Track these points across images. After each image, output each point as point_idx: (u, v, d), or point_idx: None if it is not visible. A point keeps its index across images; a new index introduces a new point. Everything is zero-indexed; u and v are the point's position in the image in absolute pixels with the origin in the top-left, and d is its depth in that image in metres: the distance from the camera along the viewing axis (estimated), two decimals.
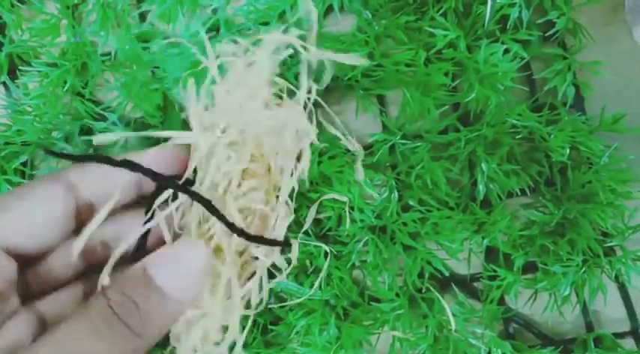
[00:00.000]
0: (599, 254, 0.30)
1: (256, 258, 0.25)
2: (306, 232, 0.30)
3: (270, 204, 0.26)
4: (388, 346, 0.31)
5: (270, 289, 0.31)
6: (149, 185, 0.24)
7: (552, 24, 0.31)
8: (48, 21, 0.33)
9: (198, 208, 0.24)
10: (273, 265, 0.27)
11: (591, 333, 0.31)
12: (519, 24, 0.31)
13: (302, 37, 0.26)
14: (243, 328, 0.25)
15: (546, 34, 0.31)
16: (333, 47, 0.30)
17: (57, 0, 0.33)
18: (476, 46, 0.30)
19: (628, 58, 0.32)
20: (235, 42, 0.26)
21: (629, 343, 0.31)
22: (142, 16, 0.33)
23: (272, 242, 0.25)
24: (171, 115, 0.33)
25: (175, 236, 0.24)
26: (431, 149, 0.31)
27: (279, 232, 0.26)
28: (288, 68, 0.30)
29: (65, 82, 0.33)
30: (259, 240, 0.25)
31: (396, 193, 0.31)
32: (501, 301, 0.32)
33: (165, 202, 0.24)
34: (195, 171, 0.25)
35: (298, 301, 0.30)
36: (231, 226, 0.23)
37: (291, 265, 0.27)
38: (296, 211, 0.30)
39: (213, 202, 0.23)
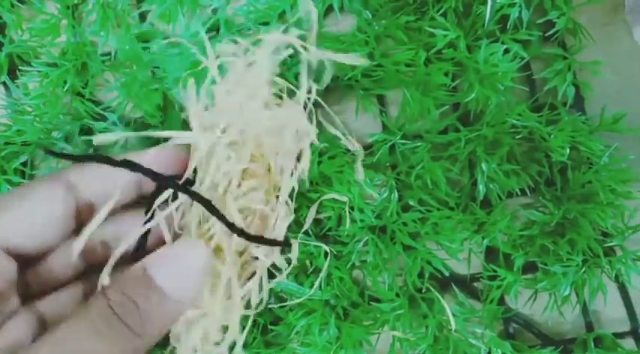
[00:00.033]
0: (599, 254, 0.30)
1: (256, 258, 0.25)
2: (306, 232, 0.30)
3: (270, 204, 0.26)
4: (388, 346, 0.31)
5: (271, 289, 0.31)
6: (149, 185, 0.24)
7: (552, 24, 0.31)
8: (48, 21, 0.33)
9: (198, 208, 0.24)
10: (273, 265, 0.27)
11: (591, 333, 0.31)
12: (519, 24, 0.31)
13: (302, 37, 0.26)
14: (243, 328, 0.25)
15: (546, 34, 0.31)
16: (333, 47, 0.30)
17: (57, 0, 0.33)
18: (476, 46, 0.30)
19: (628, 58, 0.32)
20: (235, 42, 0.26)
21: (629, 343, 0.31)
22: (142, 16, 0.33)
23: (272, 242, 0.25)
24: (171, 115, 0.33)
25: (175, 236, 0.24)
26: (431, 149, 0.31)
27: (279, 232, 0.26)
28: (288, 68, 0.30)
29: (65, 82, 0.33)
30: (259, 240, 0.25)
31: (396, 193, 0.31)
32: (501, 301, 0.32)
33: (166, 202, 0.24)
34: (195, 171, 0.25)
35: (298, 301, 0.30)
36: (231, 226, 0.23)
37: (291, 265, 0.27)
38: (296, 211, 0.30)
39: (213, 202, 0.23)
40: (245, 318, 0.26)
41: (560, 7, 0.30)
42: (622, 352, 0.30)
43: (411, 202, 0.31)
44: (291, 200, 0.27)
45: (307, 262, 0.31)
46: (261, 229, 0.26)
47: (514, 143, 0.31)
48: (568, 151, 0.30)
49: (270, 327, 0.31)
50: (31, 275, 0.23)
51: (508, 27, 0.31)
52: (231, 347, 0.25)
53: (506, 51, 0.30)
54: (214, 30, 0.32)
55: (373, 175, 0.31)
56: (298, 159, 0.27)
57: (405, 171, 0.31)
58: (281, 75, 0.26)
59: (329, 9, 0.32)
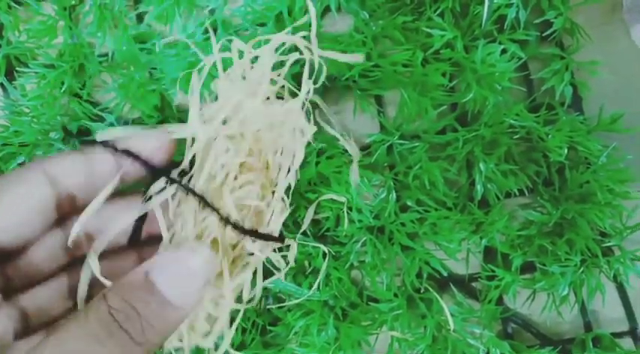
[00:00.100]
0: (598, 254, 0.30)
1: (251, 254, 0.26)
2: (304, 233, 0.30)
3: (265, 199, 0.26)
4: (387, 346, 0.31)
5: (269, 290, 0.31)
6: (129, 176, 0.24)
7: (550, 24, 0.31)
8: (45, 22, 0.33)
9: (193, 199, 0.24)
10: (272, 265, 0.27)
11: (590, 333, 0.31)
12: (517, 24, 0.31)
13: (306, 38, 0.26)
14: (234, 322, 0.25)
15: (544, 34, 0.31)
16: (331, 48, 0.30)
17: (54, 1, 0.33)
18: (473, 47, 0.30)
19: (626, 57, 0.32)
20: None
21: (627, 342, 0.31)
22: (140, 17, 0.33)
23: (266, 237, 0.25)
24: (168, 115, 0.33)
25: (169, 225, 0.24)
26: (428, 149, 0.31)
27: (273, 228, 0.26)
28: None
29: (63, 84, 0.33)
30: (253, 234, 0.25)
31: (394, 194, 0.31)
32: (500, 301, 0.32)
33: (162, 190, 0.24)
34: (191, 162, 0.25)
35: (297, 301, 0.30)
36: (225, 219, 0.24)
37: (289, 266, 0.27)
38: (294, 211, 0.30)
39: (209, 193, 0.24)
40: (238, 313, 0.26)
41: (558, 7, 0.30)
42: (620, 351, 0.30)
43: (409, 203, 0.31)
44: (287, 197, 0.27)
45: (305, 262, 0.31)
46: (256, 224, 0.26)
47: (512, 143, 0.31)
48: (566, 151, 0.30)
49: (268, 328, 0.31)
50: (12, 269, 0.23)
51: (505, 27, 0.31)
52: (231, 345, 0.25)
53: (504, 51, 0.30)
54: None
55: (371, 175, 0.31)
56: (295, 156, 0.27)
57: (402, 171, 0.31)
58: (278, 75, 0.27)
59: (326, 9, 0.32)
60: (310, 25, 0.26)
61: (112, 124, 0.33)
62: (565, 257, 0.30)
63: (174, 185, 0.24)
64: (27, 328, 0.22)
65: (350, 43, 0.31)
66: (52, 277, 0.24)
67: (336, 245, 0.31)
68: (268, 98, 0.26)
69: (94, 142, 0.24)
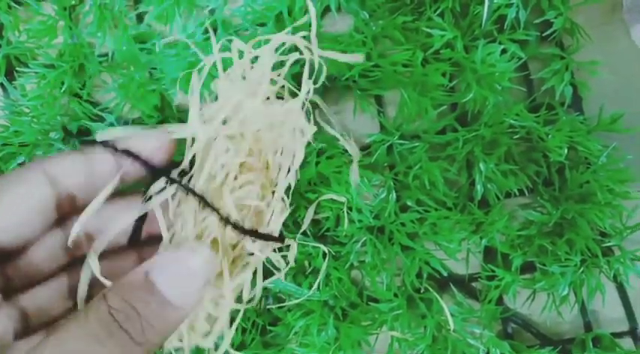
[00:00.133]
0: (598, 254, 0.30)
1: (251, 254, 0.26)
2: (304, 233, 0.30)
3: (265, 199, 0.26)
4: (387, 346, 0.31)
5: (269, 290, 0.31)
6: (129, 176, 0.24)
7: (550, 24, 0.31)
8: (45, 22, 0.33)
9: (193, 199, 0.24)
10: (272, 265, 0.27)
11: (590, 333, 0.31)
12: (517, 24, 0.31)
13: (306, 38, 0.26)
14: (233, 322, 0.25)
15: (544, 34, 0.31)
16: (331, 48, 0.30)
17: (54, 1, 0.33)
18: (473, 47, 0.30)
19: (626, 57, 0.32)
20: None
21: (627, 342, 0.31)
22: (140, 17, 0.33)
23: (266, 237, 0.25)
24: (168, 115, 0.33)
25: (169, 225, 0.24)
26: (429, 149, 0.31)
27: (273, 228, 0.26)
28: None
29: (63, 84, 0.33)
30: (253, 234, 0.25)
31: (394, 194, 0.31)
32: (500, 301, 0.32)
33: (162, 190, 0.24)
34: (191, 162, 0.25)
35: (297, 301, 0.30)
36: (226, 219, 0.24)
37: (289, 266, 0.27)
38: (294, 211, 0.30)
39: (209, 193, 0.24)
40: (239, 312, 0.26)
41: (558, 7, 0.30)
42: (620, 351, 0.30)
43: (409, 203, 0.31)
44: (287, 197, 0.27)
45: (305, 262, 0.31)
46: (256, 224, 0.26)
47: (512, 143, 0.31)
48: (566, 151, 0.30)
49: (268, 328, 0.31)
50: (12, 269, 0.23)
51: (505, 27, 0.31)
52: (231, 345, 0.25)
53: (504, 51, 0.30)
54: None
55: (371, 175, 0.31)
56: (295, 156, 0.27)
57: (402, 171, 0.31)
58: (278, 75, 0.27)
59: (326, 9, 0.32)
60: (310, 25, 0.26)
61: (112, 124, 0.33)
62: (565, 257, 0.30)
63: (174, 185, 0.24)
64: (27, 328, 0.22)
65: (350, 43, 0.31)
66: (52, 277, 0.24)
67: (336, 245, 0.31)
68: (268, 98, 0.26)
69: (94, 142, 0.24)
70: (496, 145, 0.30)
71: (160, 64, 0.32)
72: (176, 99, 0.32)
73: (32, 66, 0.33)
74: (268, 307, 0.31)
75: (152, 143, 0.24)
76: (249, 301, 0.26)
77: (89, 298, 0.23)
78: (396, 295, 0.31)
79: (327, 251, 0.30)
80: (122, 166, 0.24)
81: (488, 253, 0.32)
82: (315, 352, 0.30)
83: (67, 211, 0.23)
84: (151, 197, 0.24)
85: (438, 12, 0.30)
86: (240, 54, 0.26)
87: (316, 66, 0.26)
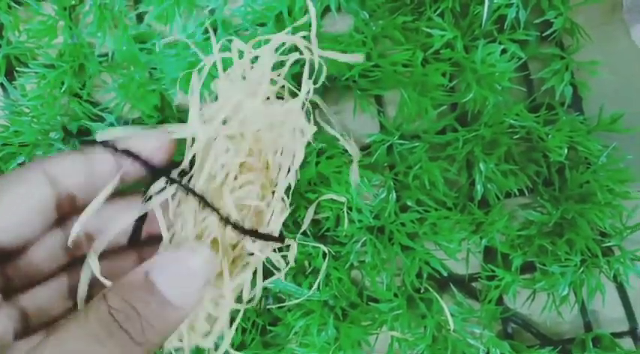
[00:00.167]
0: (598, 254, 0.30)
1: (250, 254, 0.26)
2: (304, 233, 0.30)
3: (265, 199, 0.26)
4: (387, 346, 0.31)
5: (269, 290, 0.31)
6: (129, 176, 0.24)
7: (550, 24, 0.31)
8: (45, 22, 0.33)
9: (193, 199, 0.24)
10: (272, 265, 0.27)
11: (590, 333, 0.31)
12: (517, 24, 0.31)
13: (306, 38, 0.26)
14: (233, 321, 0.25)
15: (544, 34, 0.31)
16: (331, 48, 0.30)
17: (54, 1, 0.33)
18: (473, 47, 0.30)
19: (626, 57, 0.32)
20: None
21: (627, 342, 0.31)
22: (140, 17, 0.33)
23: (266, 237, 0.25)
24: (168, 115, 0.33)
25: (169, 225, 0.24)
26: (428, 149, 0.31)
27: (273, 228, 0.26)
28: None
29: (63, 84, 0.33)
30: (254, 234, 0.25)
31: (394, 194, 0.31)
32: (500, 301, 0.32)
33: (162, 190, 0.24)
34: (191, 162, 0.25)
35: (297, 301, 0.30)
36: (226, 219, 0.24)
37: (289, 266, 0.27)
38: (294, 211, 0.30)
39: (209, 193, 0.24)
40: (238, 313, 0.26)
41: (558, 7, 0.30)
42: (620, 351, 0.30)
43: (409, 203, 0.31)
44: (287, 197, 0.27)
45: (305, 262, 0.31)
46: (256, 224, 0.26)
47: (512, 143, 0.31)
48: (566, 151, 0.30)
49: (268, 328, 0.31)
50: (12, 269, 0.23)
51: (505, 27, 0.31)
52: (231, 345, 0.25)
53: (504, 51, 0.30)
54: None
55: (371, 175, 0.31)
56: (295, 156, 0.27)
57: (402, 171, 0.31)
58: (278, 75, 0.27)
59: (326, 9, 0.32)
60: (310, 25, 0.26)
61: (112, 124, 0.33)
62: (565, 257, 0.30)
63: (174, 185, 0.24)
64: (27, 328, 0.22)
65: (350, 43, 0.31)
66: (52, 277, 0.24)
67: (336, 245, 0.31)
68: (268, 98, 0.26)
69: (94, 142, 0.24)
70: (496, 145, 0.30)
71: (160, 64, 0.32)
72: (176, 99, 0.32)
73: (32, 66, 0.33)
74: (268, 307, 0.31)
75: (152, 143, 0.24)
76: (249, 301, 0.26)
77: (89, 298, 0.23)
78: (396, 295, 0.31)
79: (327, 251, 0.30)
80: (122, 166, 0.24)
81: (488, 253, 0.32)
82: (315, 352, 0.30)
83: (67, 211, 0.23)
84: (150, 197, 0.24)
85: (438, 12, 0.30)
86: (240, 54, 0.26)
87: (316, 66, 0.26)
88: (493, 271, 0.31)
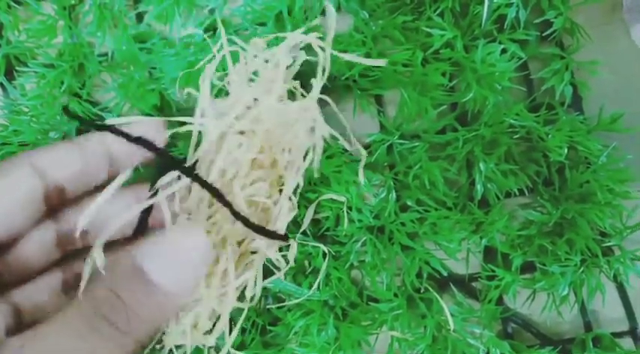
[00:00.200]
0: (598, 254, 0.30)
1: (253, 253, 0.25)
2: (304, 233, 0.30)
3: (273, 197, 0.26)
4: (387, 346, 0.31)
5: (269, 290, 0.31)
6: (122, 167, 0.23)
7: (550, 24, 0.31)
8: (44, 22, 0.33)
9: (199, 193, 0.24)
10: (272, 264, 0.27)
11: (590, 333, 0.31)
12: (517, 24, 0.31)
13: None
14: (234, 322, 0.25)
15: (544, 34, 0.31)
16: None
17: (53, 1, 0.33)
18: (473, 46, 0.30)
19: (626, 57, 0.32)
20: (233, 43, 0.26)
21: (627, 342, 0.31)
22: (139, 17, 0.33)
23: (275, 235, 0.25)
24: (167, 115, 0.33)
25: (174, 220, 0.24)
26: (428, 149, 0.31)
27: (280, 227, 0.26)
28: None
29: (62, 83, 0.33)
30: (263, 231, 0.24)
31: (394, 193, 0.31)
32: (500, 301, 0.32)
33: (170, 183, 0.24)
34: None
35: (297, 301, 0.30)
36: (237, 214, 0.23)
37: (289, 265, 0.27)
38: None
39: (219, 188, 0.23)
40: (240, 312, 0.26)
41: (558, 7, 0.31)
42: (620, 351, 0.30)
43: (409, 202, 0.31)
44: (295, 196, 0.27)
45: (305, 262, 0.31)
46: (263, 222, 0.26)
47: (512, 143, 0.31)
48: (566, 150, 0.30)
49: (268, 328, 0.31)
50: (1, 264, 0.22)
51: (505, 27, 0.31)
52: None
53: (504, 51, 0.30)
54: (211, 30, 0.32)
55: (371, 175, 0.31)
56: (305, 155, 0.27)
57: (402, 171, 0.31)
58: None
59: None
60: (321, 26, 0.26)
61: None
62: (565, 257, 0.30)
63: (183, 178, 0.23)
64: (20, 324, 0.22)
65: (350, 43, 0.31)
66: (44, 272, 0.23)
67: (336, 245, 0.31)
68: (281, 97, 0.26)
69: (98, 126, 0.23)
70: (496, 144, 0.30)
71: (160, 63, 0.32)
72: (176, 98, 0.32)
73: (32, 65, 0.33)
74: (268, 307, 0.31)
75: (163, 134, 0.23)
76: (251, 300, 0.26)
77: None
78: (396, 295, 0.31)
79: (327, 251, 0.30)
80: (122, 155, 0.23)
81: (488, 253, 0.32)
82: (315, 352, 0.30)
83: (55, 203, 0.23)
84: (157, 190, 0.23)
85: (437, 12, 0.30)
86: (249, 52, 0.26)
87: (327, 67, 0.26)
88: (493, 271, 0.31)
